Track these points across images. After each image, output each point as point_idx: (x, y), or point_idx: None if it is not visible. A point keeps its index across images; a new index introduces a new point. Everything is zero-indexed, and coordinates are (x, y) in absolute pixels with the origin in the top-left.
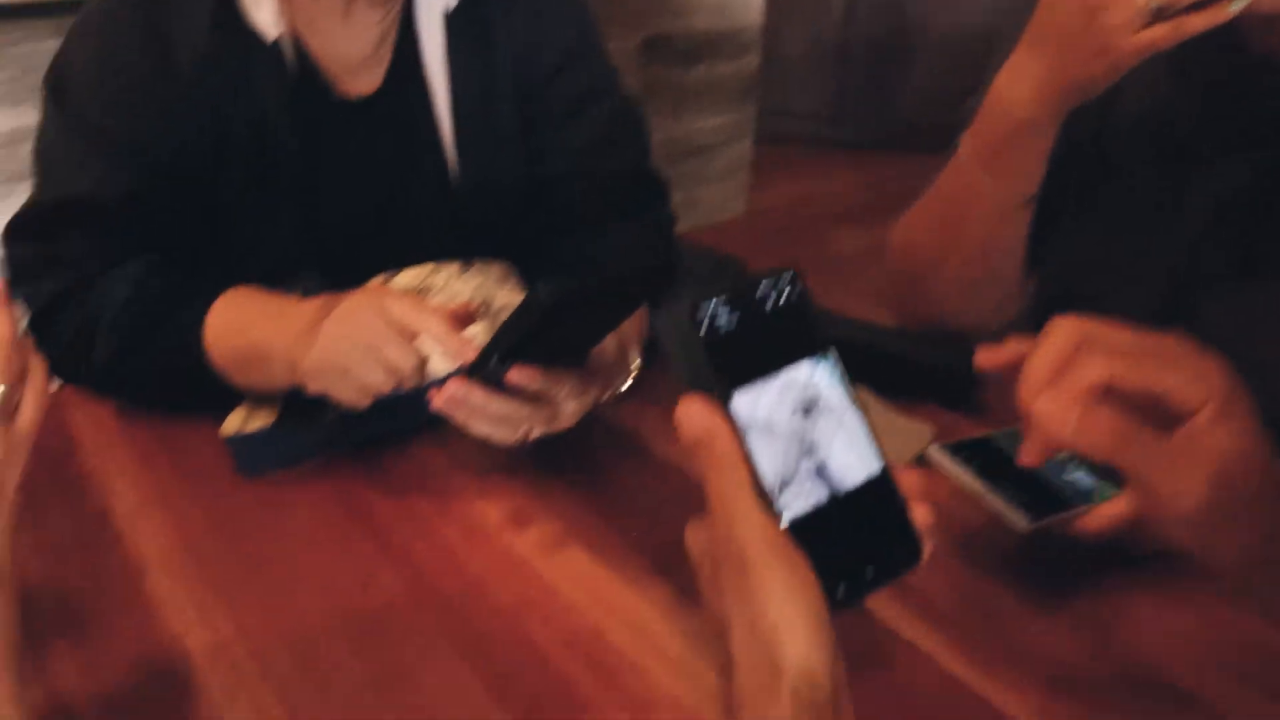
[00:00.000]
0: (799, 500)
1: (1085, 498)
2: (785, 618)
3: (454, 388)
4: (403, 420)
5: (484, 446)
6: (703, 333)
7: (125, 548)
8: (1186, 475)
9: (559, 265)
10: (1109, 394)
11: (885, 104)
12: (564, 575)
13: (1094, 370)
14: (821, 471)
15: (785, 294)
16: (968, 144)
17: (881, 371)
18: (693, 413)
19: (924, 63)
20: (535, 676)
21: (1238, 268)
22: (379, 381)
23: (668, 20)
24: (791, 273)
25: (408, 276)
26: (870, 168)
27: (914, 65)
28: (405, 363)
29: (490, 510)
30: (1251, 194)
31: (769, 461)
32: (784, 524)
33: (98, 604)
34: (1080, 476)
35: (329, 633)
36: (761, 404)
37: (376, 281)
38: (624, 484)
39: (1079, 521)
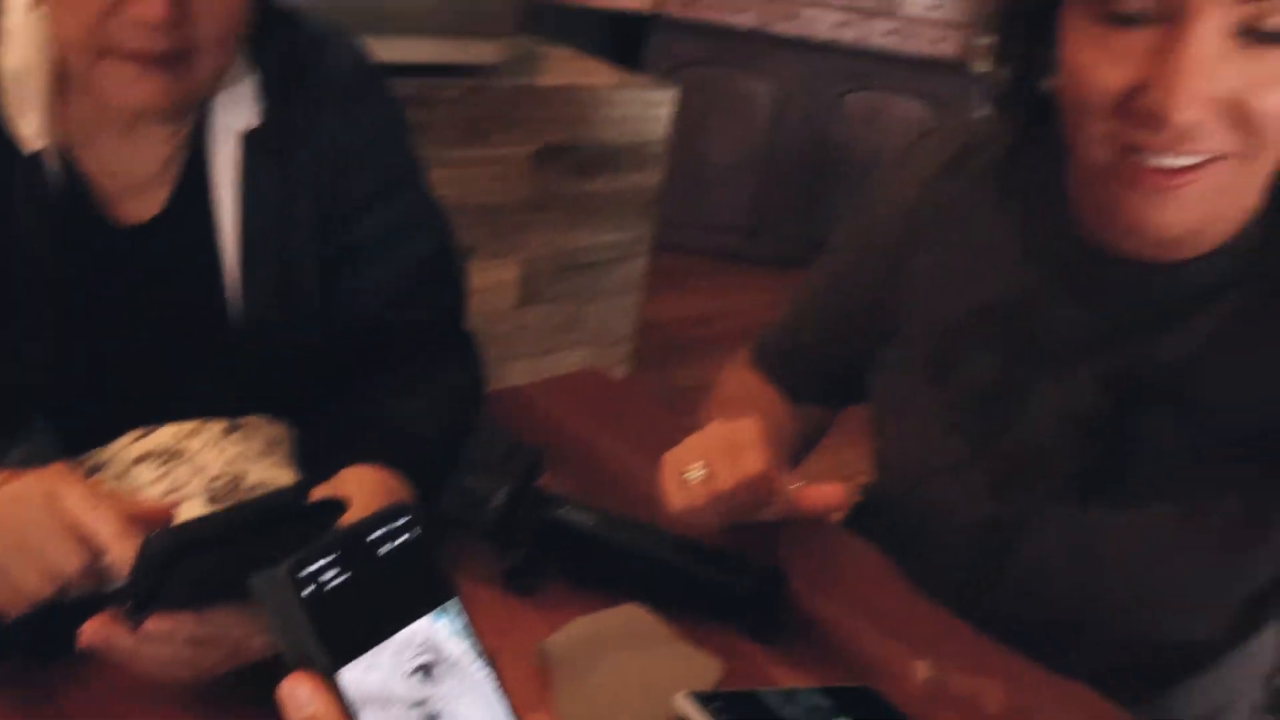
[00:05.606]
0: None
1: None
2: None
3: (94, 630)
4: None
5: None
6: (304, 596)
7: None
8: None
9: (342, 430)
10: None
11: (805, 222)
12: None
13: None
14: None
15: (400, 537)
16: None
17: (670, 587)
18: (295, 695)
19: (847, 183)
20: None
21: (1076, 489)
22: (35, 586)
23: (566, 129)
24: (405, 510)
25: (164, 435)
26: (780, 288)
27: (837, 184)
28: (68, 566)
29: None
30: (1095, 412)
31: None
32: None
33: None
34: None
35: None
36: (375, 673)
37: (127, 439)
38: None
39: None
